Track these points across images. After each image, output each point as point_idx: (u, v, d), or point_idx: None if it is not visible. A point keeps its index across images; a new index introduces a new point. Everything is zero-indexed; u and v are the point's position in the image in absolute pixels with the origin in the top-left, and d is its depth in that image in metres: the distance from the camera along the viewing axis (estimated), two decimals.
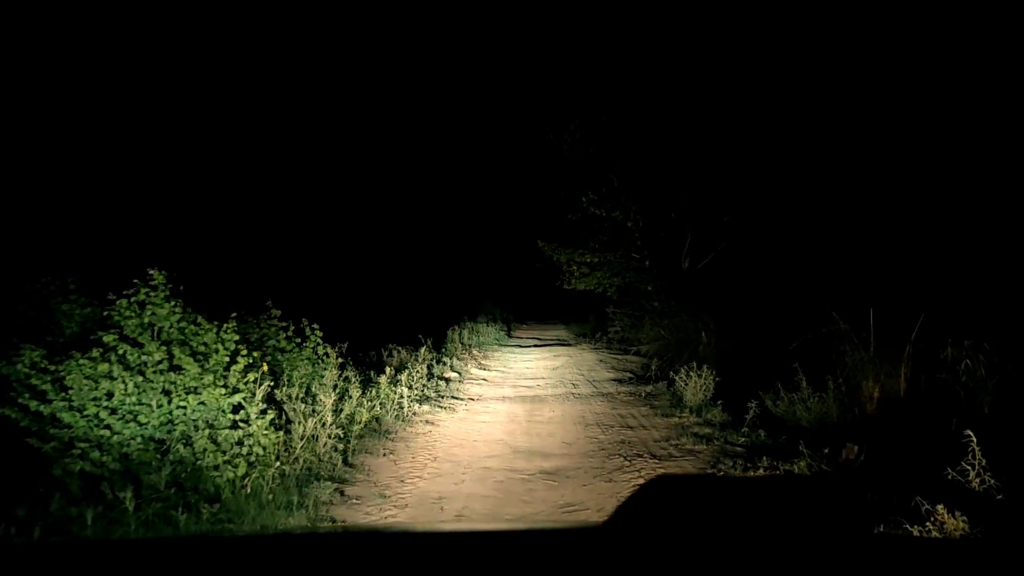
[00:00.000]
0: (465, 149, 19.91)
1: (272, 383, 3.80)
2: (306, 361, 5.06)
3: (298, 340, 5.19)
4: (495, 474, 3.95)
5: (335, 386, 4.66)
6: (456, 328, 12.20)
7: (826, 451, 3.61)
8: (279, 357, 5.09)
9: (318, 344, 5.12)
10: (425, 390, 6.74)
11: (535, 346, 13.43)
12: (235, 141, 13.27)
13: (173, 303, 3.28)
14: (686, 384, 6.01)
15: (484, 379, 8.31)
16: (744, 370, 7.19)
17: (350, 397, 4.73)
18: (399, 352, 8.41)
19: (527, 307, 23.03)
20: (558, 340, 14.76)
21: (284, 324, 5.21)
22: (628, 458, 4.23)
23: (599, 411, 6.02)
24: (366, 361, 7.65)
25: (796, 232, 9.59)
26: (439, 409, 5.96)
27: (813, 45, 8.81)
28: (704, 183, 11.24)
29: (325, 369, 5.02)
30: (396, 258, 18.12)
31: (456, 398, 6.69)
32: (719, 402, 5.56)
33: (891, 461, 3.89)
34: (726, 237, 11.45)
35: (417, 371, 6.92)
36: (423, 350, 8.44)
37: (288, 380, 4.41)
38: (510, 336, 16.03)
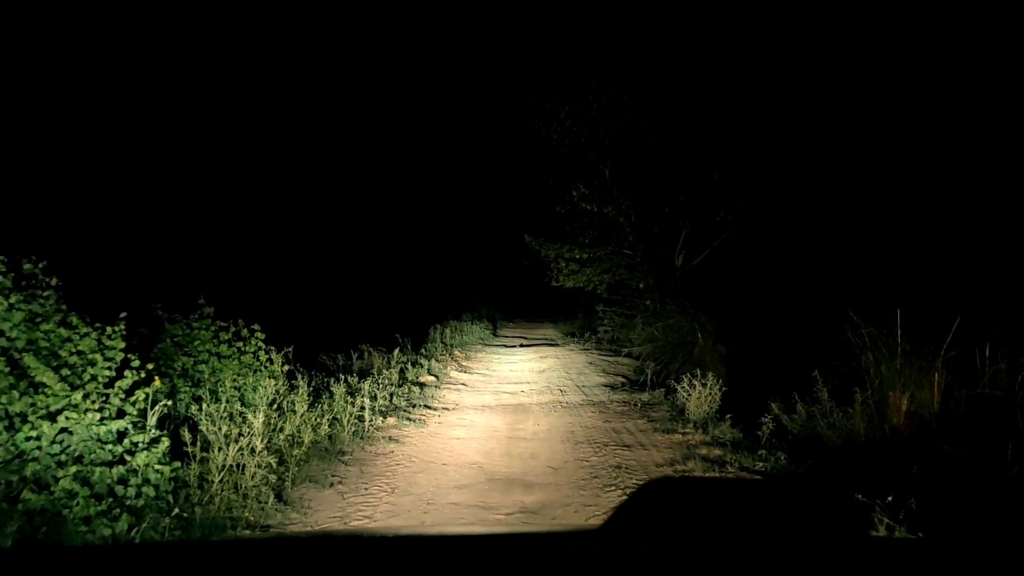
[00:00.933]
0: (450, 141, 19.06)
1: (164, 397, 3.00)
2: (246, 369, 4.27)
3: (239, 344, 4.41)
4: (464, 513, 3.20)
5: (273, 401, 3.88)
6: (438, 327, 11.45)
7: (889, 499, 2.76)
8: (216, 364, 4.31)
9: (259, 348, 4.32)
10: (394, 398, 5.98)
11: (521, 346, 12.70)
12: (225, 139, 12.46)
13: (32, 299, 2.46)
14: (689, 394, 5.31)
15: (463, 384, 7.55)
16: (748, 376, 6.52)
17: (294, 412, 3.95)
18: (370, 354, 7.63)
19: (514, 305, 22.28)
20: (545, 340, 14.05)
21: (223, 325, 4.43)
22: (626, 490, 3.50)
23: (590, 424, 5.30)
24: (329, 366, 6.86)
25: (802, 222, 8.93)
26: (407, 422, 5.20)
27: (833, 18, 8.10)
28: (701, 175, 10.56)
29: (268, 378, 4.24)
30: (385, 256, 17.38)
31: (429, 407, 5.93)
32: (727, 416, 4.86)
33: (946, 497, 3.22)
34: (722, 232, 10.78)
35: (386, 376, 6.15)
36: (397, 352, 7.68)
37: (213, 394, 3.62)
38: (495, 335, 15.29)
